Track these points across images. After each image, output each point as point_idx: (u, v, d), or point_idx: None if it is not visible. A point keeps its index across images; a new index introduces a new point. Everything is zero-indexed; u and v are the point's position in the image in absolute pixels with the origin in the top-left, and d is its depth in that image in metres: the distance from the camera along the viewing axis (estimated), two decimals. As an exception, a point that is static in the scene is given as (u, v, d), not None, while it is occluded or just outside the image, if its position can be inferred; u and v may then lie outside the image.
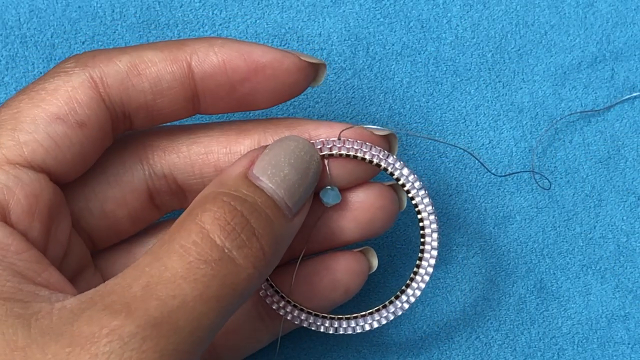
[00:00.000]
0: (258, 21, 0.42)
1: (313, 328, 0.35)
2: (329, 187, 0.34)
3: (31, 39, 0.41)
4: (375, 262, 0.36)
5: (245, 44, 0.32)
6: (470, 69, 0.42)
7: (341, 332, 0.35)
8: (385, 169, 0.34)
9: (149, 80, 0.32)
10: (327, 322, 0.35)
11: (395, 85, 0.42)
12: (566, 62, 0.42)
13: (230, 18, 0.42)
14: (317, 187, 0.33)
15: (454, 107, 0.42)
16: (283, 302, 0.35)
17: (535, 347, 0.40)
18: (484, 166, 0.41)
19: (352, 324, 0.35)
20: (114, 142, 0.33)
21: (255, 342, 0.36)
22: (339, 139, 0.33)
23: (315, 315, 0.35)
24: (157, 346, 0.26)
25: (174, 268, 0.27)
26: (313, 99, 0.41)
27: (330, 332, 0.35)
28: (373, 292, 0.40)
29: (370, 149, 0.33)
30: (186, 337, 0.27)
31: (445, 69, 0.42)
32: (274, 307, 0.35)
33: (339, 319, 0.35)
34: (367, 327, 0.35)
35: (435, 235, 0.34)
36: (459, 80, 0.42)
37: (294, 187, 0.31)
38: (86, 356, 0.25)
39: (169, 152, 0.34)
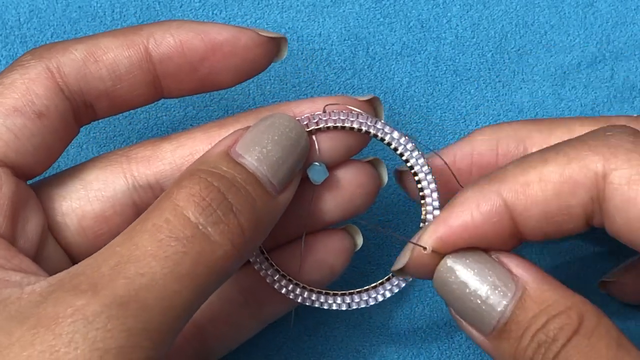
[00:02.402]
0: (258, 21, 0.42)
1: (325, 306, 0.34)
2: (315, 163, 0.33)
3: (31, 39, 0.41)
4: (359, 240, 0.35)
5: (201, 23, 0.32)
6: (470, 69, 0.42)
7: (354, 307, 0.34)
8: (375, 135, 0.33)
9: (106, 66, 0.32)
10: (339, 298, 0.34)
11: (395, 85, 0.42)
12: (566, 62, 0.42)
13: (230, 18, 0.42)
14: (305, 164, 0.33)
15: (454, 107, 0.42)
16: (292, 285, 0.34)
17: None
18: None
19: (364, 296, 0.34)
20: (98, 157, 0.34)
21: (244, 330, 0.36)
22: (324, 112, 0.33)
23: (318, 292, 0.34)
24: (124, 325, 0.25)
25: (144, 246, 0.27)
26: (313, 99, 0.41)
27: (343, 308, 0.34)
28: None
29: (357, 117, 0.33)
30: (156, 315, 0.26)
31: (445, 69, 0.42)
32: (283, 291, 0.34)
33: (350, 293, 0.34)
34: (380, 298, 0.34)
35: (435, 195, 0.33)
36: (459, 80, 0.42)
37: (277, 164, 0.31)
38: (50, 336, 0.25)
39: (153, 161, 0.33)
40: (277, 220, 0.31)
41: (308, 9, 0.42)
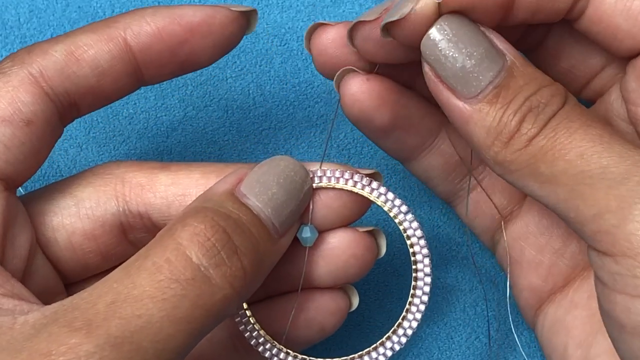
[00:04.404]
0: (258, 21, 0.42)
1: None
2: (304, 224, 0.33)
3: (31, 39, 0.41)
4: (355, 301, 0.35)
5: (174, 7, 0.32)
6: (470, 69, 0.42)
7: None
8: (369, 195, 0.33)
9: (88, 64, 0.32)
10: None
11: (395, 85, 0.42)
12: (566, 62, 0.42)
13: (230, 18, 0.42)
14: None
15: (453, 107, 0.42)
16: (276, 349, 0.34)
17: (535, 346, 0.40)
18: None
19: None
20: (93, 172, 0.34)
21: None
22: (320, 168, 0.33)
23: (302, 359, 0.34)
24: None
25: (142, 286, 0.27)
26: (313, 99, 0.41)
27: None
28: (374, 297, 0.40)
29: (352, 177, 0.33)
30: (149, 357, 0.26)
31: (445, 69, 0.42)
32: (267, 355, 0.34)
33: None
34: None
35: (427, 260, 0.33)
36: (458, 80, 0.42)
37: (281, 207, 0.31)
38: None
39: (146, 191, 0.33)
40: (275, 263, 0.31)
41: (308, 9, 0.42)
